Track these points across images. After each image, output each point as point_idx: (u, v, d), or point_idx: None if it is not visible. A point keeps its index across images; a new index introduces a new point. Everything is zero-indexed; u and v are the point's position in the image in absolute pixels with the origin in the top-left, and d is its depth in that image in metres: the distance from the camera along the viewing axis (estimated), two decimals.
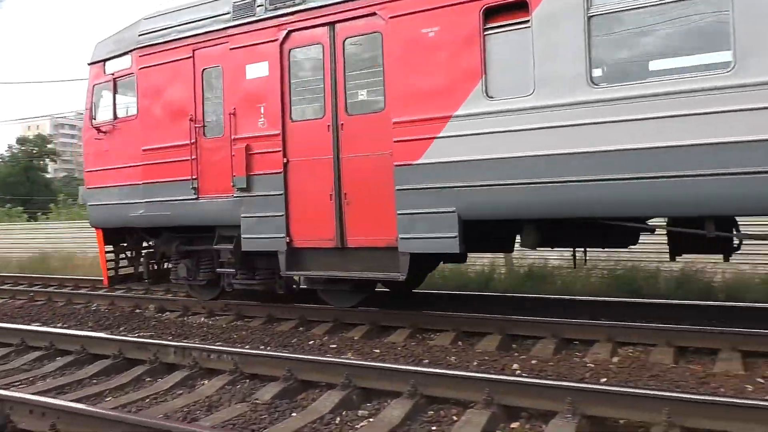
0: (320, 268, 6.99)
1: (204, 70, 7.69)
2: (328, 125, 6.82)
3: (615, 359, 5.48)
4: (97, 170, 8.84)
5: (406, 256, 6.31)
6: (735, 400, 3.78)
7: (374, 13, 6.47)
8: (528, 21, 5.72)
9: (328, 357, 5.54)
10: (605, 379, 4.73)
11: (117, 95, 8.51)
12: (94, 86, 8.80)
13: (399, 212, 6.33)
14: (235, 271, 7.72)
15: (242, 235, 7.33)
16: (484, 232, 6.67)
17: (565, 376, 4.79)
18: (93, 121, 8.81)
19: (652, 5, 5.26)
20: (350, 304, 7.59)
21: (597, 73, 5.73)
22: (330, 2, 6.71)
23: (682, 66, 5.52)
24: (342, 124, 6.76)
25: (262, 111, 7.18)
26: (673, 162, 5.09)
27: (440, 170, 6.12)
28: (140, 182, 8.21)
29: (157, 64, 8.03)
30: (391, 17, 6.34)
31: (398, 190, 6.33)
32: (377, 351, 5.98)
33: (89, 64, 8.90)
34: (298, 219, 7.00)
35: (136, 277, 9.38)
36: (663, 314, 6.66)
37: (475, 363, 5.33)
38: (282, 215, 7.03)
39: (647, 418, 3.77)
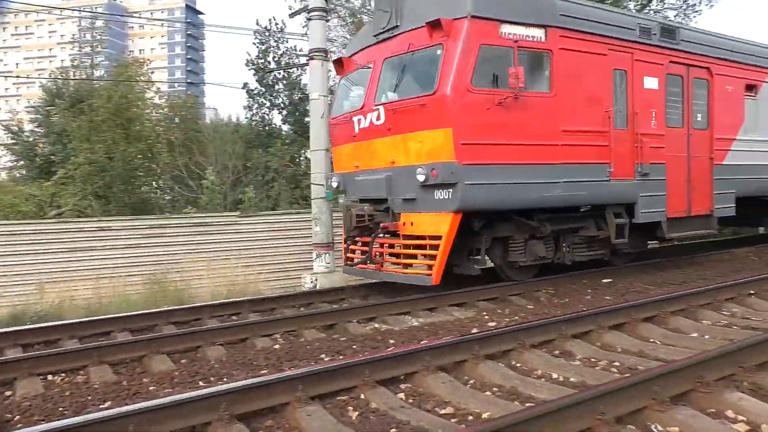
0: (680, 230, 10.08)
1: (614, 69, 8.95)
2: (685, 133, 10.10)
3: None
4: (481, 143, 7.59)
5: (716, 219, 10.54)
6: None
7: (708, 68, 10.37)
8: (755, 94, 11.32)
9: None
10: None
11: (517, 65, 7.60)
12: (480, 45, 7.58)
13: (715, 192, 10.40)
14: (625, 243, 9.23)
15: (641, 210, 9.21)
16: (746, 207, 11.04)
17: None
18: (470, 84, 7.49)
19: None
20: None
21: None
22: (688, 50, 10.01)
23: None
24: (690, 134, 10.20)
25: (653, 115, 9.45)
26: None
27: (732, 169, 10.64)
28: (559, 162, 8.18)
29: (577, 50, 8.39)
30: (714, 74, 10.43)
31: (715, 179, 10.42)
32: None
33: (472, 17, 7.55)
34: (670, 197, 9.70)
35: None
36: None
37: None
38: (664, 195, 9.59)
39: None
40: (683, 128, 10.03)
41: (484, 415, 3.98)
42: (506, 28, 7.82)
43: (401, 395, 4.47)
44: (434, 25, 7.49)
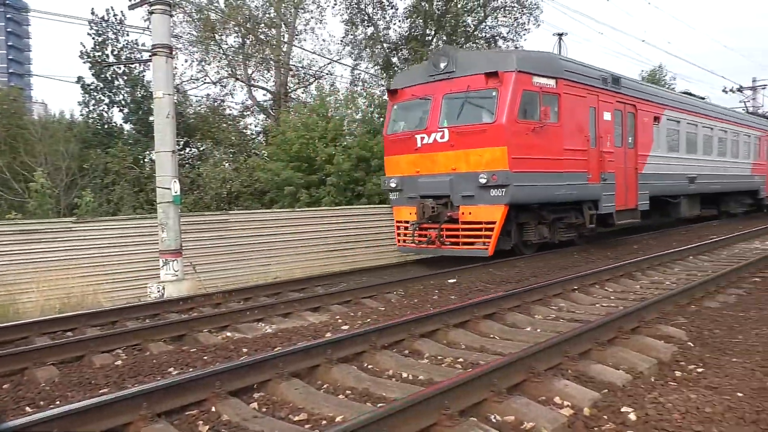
0: (621, 219, 13.73)
1: (590, 106, 12.45)
2: (623, 151, 13.75)
3: None
4: (523, 158, 10.74)
5: (639, 211, 14.38)
6: None
7: (634, 105, 14.23)
8: (658, 123, 15.35)
9: None
10: None
11: (541, 102, 11.11)
12: (521, 90, 10.70)
13: (639, 193, 14.25)
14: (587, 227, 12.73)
15: (603, 205, 12.70)
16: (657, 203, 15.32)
17: None
18: (516, 118, 10.68)
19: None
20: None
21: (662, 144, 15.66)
22: (625, 93, 13.82)
23: None
24: (626, 152, 13.84)
25: (609, 138, 12.99)
26: None
27: (647, 176, 14.46)
28: (563, 171, 11.60)
29: (571, 94, 11.91)
30: (638, 109, 14.35)
31: (639, 183, 14.21)
32: None
33: (518, 71, 10.69)
34: (617, 196, 13.28)
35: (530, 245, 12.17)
36: None
37: None
38: (614, 194, 13.12)
39: None
40: (622, 147, 13.74)
41: (338, 419, 4.04)
42: (536, 79, 11.08)
43: (254, 405, 4.41)
44: (491, 74, 10.58)
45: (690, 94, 19.18)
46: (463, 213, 10.94)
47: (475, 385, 4.04)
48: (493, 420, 3.92)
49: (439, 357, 5.55)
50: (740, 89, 35.90)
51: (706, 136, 18.26)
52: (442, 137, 11.12)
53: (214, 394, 4.32)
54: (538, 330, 6.41)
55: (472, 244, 11.00)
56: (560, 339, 4.98)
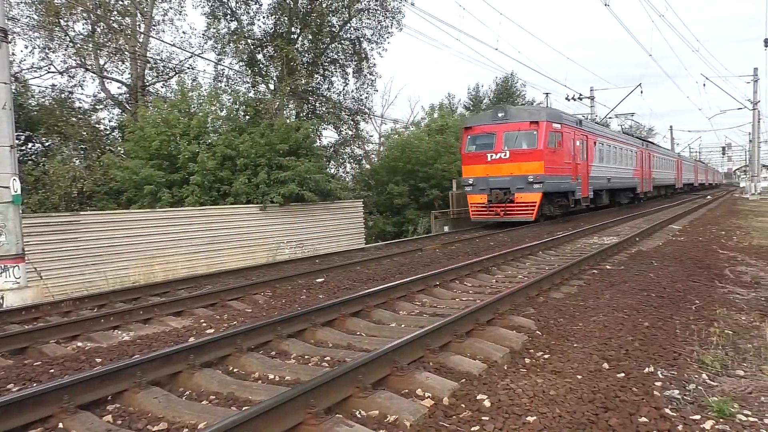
0: (582, 203, 22.87)
1: (571, 138, 20.92)
2: (585, 164, 22.58)
3: None
4: (552, 167, 19.32)
5: (589, 199, 23.44)
6: None
7: (587, 136, 23.18)
8: (595, 145, 24.57)
9: None
10: None
11: (556, 137, 19.68)
12: (549, 131, 19.18)
13: (589, 188, 23.19)
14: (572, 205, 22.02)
15: (576, 194, 21.67)
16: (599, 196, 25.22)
17: None
18: (547, 146, 19.16)
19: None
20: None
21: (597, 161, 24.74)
22: (585, 129, 23.15)
23: None
24: (586, 164, 22.78)
25: (578, 156, 21.75)
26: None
27: (593, 178, 23.61)
28: (565, 174, 20.46)
29: (566, 132, 20.56)
30: (589, 138, 23.48)
31: (589, 182, 23.00)
32: None
33: (546, 121, 19.36)
34: (582, 190, 22.24)
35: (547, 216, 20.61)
36: None
37: None
38: (580, 188, 22.09)
39: None
40: (583, 161, 22.47)
41: (200, 426, 3.92)
42: (554, 125, 19.58)
43: (108, 417, 4.15)
44: (533, 122, 19.01)
45: (605, 125, 33.92)
46: (517, 197, 19.01)
47: (341, 382, 4.10)
48: (358, 415, 4.01)
49: (306, 356, 5.56)
50: (580, 98, 39.46)
51: (613, 152, 27.19)
52: (505, 155, 19.32)
53: (61, 410, 4.01)
54: (402, 325, 6.63)
55: (522, 214, 19.03)
56: (422, 333, 5.19)
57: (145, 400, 4.36)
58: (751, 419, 3.77)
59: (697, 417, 3.78)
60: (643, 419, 3.70)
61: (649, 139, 48.37)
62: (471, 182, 19.87)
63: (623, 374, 4.51)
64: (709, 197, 43.89)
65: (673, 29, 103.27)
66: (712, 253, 11.67)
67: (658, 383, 4.35)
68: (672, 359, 4.91)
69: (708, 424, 3.67)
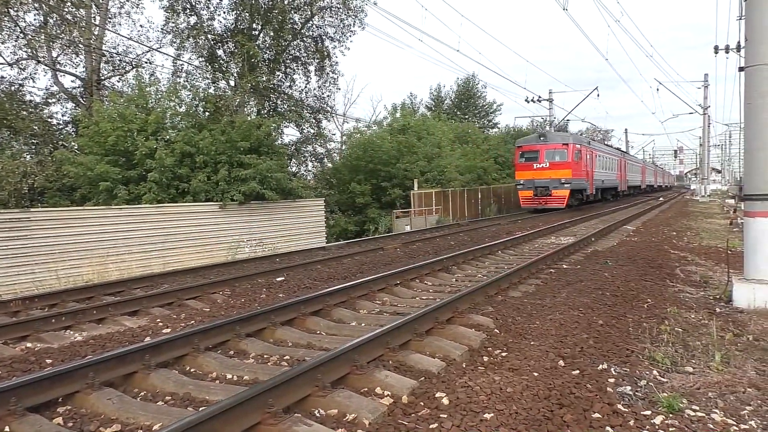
0: (590, 199, 33.03)
1: (585, 153, 30.32)
2: (593, 170, 32.41)
3: None
4: (576, 173, 28.40)
5: (594, 194, 33.92)
6: None
7: (593, 152, 32.52)
8: (599, 159, 34.75)
9: None
10: None
11: (577, 154, 28.88)
12: (574, 150, 28.29)
13: (594, 186, 33.54)
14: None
15: (587, 191, 31.20)
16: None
17: None
18: (573, 160, 28.16)
19: None
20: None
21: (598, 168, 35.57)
22: (593, 148, 33.17)
23: None
24: (594, 170, 32.65)
25: (588, 165, 31.07)
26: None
27: (595, 181, 33.18)
28: (581, 178, 29.58)
29: (582, 149, 29.78)
30: (593, 154, 32.32)
31: (594, 182, 32.87)
32: None
33: (572, 143, 28.59)
34: (590, 188, 31.75)
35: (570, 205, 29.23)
36: None
37: None
38: (589, 188, 31.59)
39: None
40: (591, 169, 31.22)
41: (155, 427, 3.85)
42: (577, 146, 29.08)
43: (59, 420, 4.04)
44: (564, 144, 28.50)
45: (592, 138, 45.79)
46: (553, 193, 27.67)
47: (299, 381, 4.08)
48: (317, 414, 4.00)
49: (265, 356, 5.51)
50: (539, 100, 40.19)
51: (606, 162, 36.16)
52: (546, 165, 27.94)
53: (8, 412, 3.87)
54: (363, 324, 6.63)
55: (556, 203, 27.72)
56: (382, 332, 5.20)
57: (97, 401, 4.25)
58: (699, 414, 3.90)
59: (648, 412, 3.89)
60: (597, 415, 3.79)
61: (623, 149, 57.12)
62: (522, 182, 28.98)
63: (578, 371, 4.61)
64: (661, 199, 45.25)
65: (629, 35, 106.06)
66: (663, 253, 12.02)
67: (612, 380, 4.46)
68: (625, 356, 5.04)
69: (658, 420, 3.78)
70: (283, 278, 9.88)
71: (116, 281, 10.31)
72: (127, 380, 4.76)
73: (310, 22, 26.78)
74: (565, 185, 27.74)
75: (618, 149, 48.21)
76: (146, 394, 4.56)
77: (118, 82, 27.02)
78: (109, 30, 25.56)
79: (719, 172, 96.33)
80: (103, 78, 26.13)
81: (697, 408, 4.01)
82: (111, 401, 4.24)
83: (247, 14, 24.88)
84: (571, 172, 27.85)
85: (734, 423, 3.78)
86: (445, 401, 4.07)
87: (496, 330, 5.99)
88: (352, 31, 27.47)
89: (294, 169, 28.91)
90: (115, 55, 26.58)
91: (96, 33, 25.06)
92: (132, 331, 6.63)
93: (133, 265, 15.71)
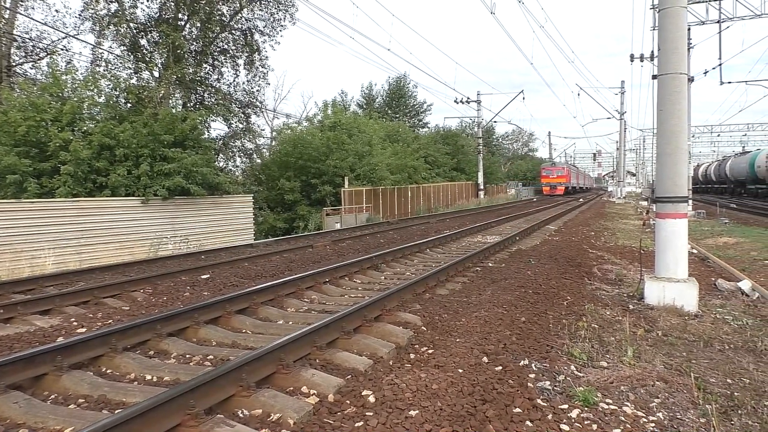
0: (571, 193, 73.45)
1: (571, 173, 70.81)
2: (575, 181, 79.26)
3: None
4: (568, 181, 68.31)
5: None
6: None
7: (575, 172, 77.59)
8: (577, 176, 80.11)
9: None
10: None
11: (568, 172, 68.11)
12: (568, 171, 67.58)
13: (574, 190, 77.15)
14: None
15: (569, 189, 72.75)
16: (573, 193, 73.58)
17: None
18: (567, 175, 67.66)
19: None
20: None
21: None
22: (576, 168, 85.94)
23: None
24: (576, 181, 79.58)
25: (573, 178, 74.99)
26: None
27: (573, 186, 75.61)
28: (570, 182, 70.84)
29: (569, 170, 69.76)
30: (574, 174, 76.04)
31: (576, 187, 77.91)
32: None
33: (566, 167, 68.73)
34: (575, 191, 77.68)
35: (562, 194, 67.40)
36: None
37: None
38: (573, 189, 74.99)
39: None
40: (575, 180, 74.11)
41: (66, 431, 3.65)
42: (567, 168, 68.55)
43: None
44: (562, 167, 67.29)
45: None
46: (558, 189, 63.84)
47: (222, 381, 3.98)
48: (241, 415, 3.91)
49: (187, 356, 5.34)
50: (468, 101, 41.04)
51: (573, 173, 70.58)
52: (555, 178, 64.55)
53: None
54: (290, 322, 6.55)
55: (560, 193, 63.14)
56: (309, 330, 5.15)
57: (3, 405, 4.00)
58: (612, 407, 4.09)
59: (565, 406, 4.04)
60: (518, 410, 3.90)
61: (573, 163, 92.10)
62: (544, 184, 63.69)
63: (501, 367, 4.73)
64: (581, 200, 47.28)
65: (552, 40, 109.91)
66: (583, 252, 12.54)
67: (532, 375, 4.60)
68: (545, 352, 5.22)
69: (575, 413, 3.93)
70: (208, 276, 9.62)
71: (28, 279, 9.73)
72: (36, 383, 4.50)
73: (239, 14, 26.18)
74: (564, 185, 62.39)
75: (572, 165, 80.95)
76: (57, 397, 4.33)
77: (31, 69, 25.52)
78: (20, 14, 24.08)
79: (634, 175, 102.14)
80: (14, 64, 24.60)
81: (611, 401, 4.19)
82: (18, 405, 4.00)
83: (173, 4, 24.04)
84: (566, 180, 63.23)
85: (643, 415, 3.98)
86: (372, 399, 4.07)
87: (423, 327, 6.05)
88: (282, 26, 27.08)
89: (222, 164, 28.20)
90: (27, 40, 25.06)
91: (6, 16, 23.56)
92: (43, 330, 6.27)
93: (47, 261, 14.87)
